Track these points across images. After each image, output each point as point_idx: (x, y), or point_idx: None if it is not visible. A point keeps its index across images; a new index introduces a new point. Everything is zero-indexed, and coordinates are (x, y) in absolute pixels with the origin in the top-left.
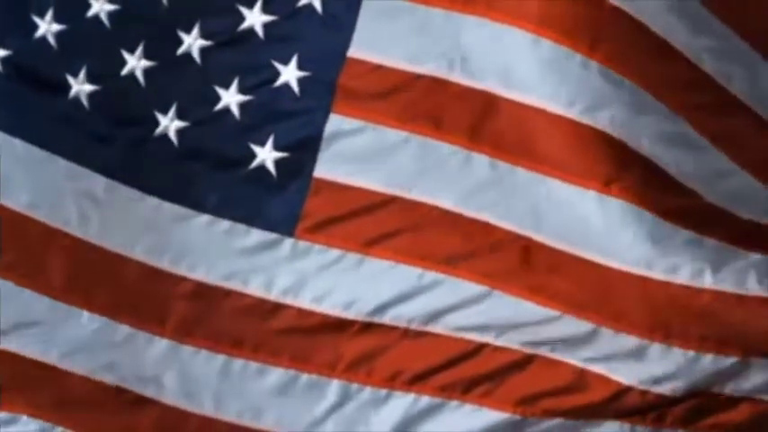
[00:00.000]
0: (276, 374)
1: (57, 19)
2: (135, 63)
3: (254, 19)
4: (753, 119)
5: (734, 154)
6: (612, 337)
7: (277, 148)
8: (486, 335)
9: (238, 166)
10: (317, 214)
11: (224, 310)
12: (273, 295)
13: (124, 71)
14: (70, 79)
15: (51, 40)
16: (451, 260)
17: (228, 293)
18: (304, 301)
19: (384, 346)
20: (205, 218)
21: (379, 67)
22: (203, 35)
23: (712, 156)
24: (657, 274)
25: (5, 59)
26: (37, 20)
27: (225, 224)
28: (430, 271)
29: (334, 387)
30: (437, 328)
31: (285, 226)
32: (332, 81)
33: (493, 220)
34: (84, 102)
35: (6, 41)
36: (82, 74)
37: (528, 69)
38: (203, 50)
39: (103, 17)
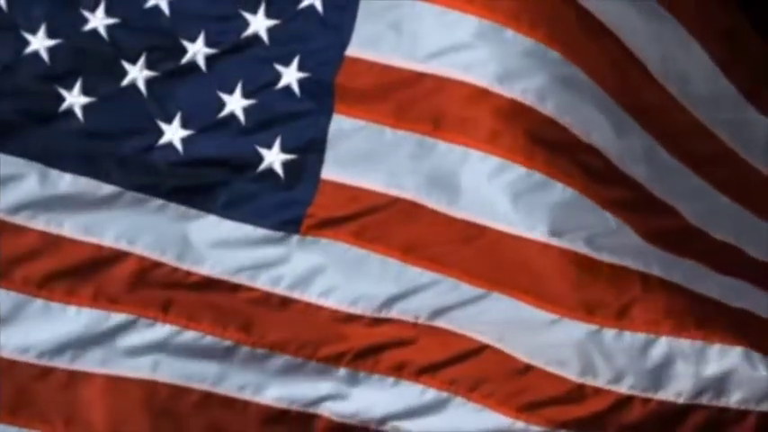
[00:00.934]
0: (283, 360)
1: (49, 34)
2: (137, 74)
3: (259, 24)
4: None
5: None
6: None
7: (284, 150)
8: (486, 336)
9: (246, 169)
10: (322, 213)
11: (231, 300)
12: (281, 289)
13: (124, 82)
14: (63, 93)
15: (44, 55)
16: (447, 260)
17: (236, 287)
18: (311, 296)
19: (392, 338)
20: (212, 218)
21: (377, 66)
22: (208, 43)
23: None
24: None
25: None
26: (28, 36)
27: (231, 224)
28: (430, 271)
29: (341, 372)
30: (443, 323)
31: (291, 225)
32: (331, 81)
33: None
34: (79, 114)
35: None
36: (76, 87)
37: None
38: (209, 58)
39: (102, 31)
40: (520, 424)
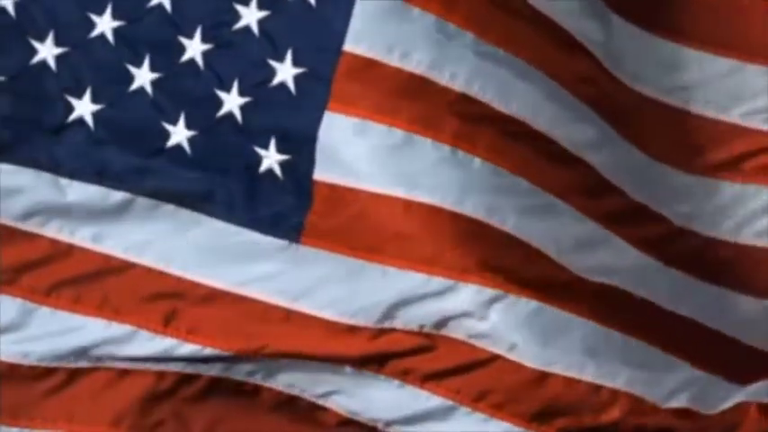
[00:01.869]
0: (288, 359)
1: (57, 42)
2: (144, 77)
3: (251, 17)
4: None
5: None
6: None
7: (279, 150)
8: (497, 346)
9: (247, 171)
10: (320, 219)
11: (233, 313)
12: (284, 301)
13: (133, 86)
14: (73, 101)
15: (52, 63)
16: (460, 265)
17: (239, 298)
18: (312, 308)
19: (397, 348)
20: (219, 224)
21: (373, 63)
22: (204, 39)
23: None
24: None
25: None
26: (36, 44)
27: (236, 230)
28: (437, 276)
29: (347, 370)
30: (449, 332)
31: (291, 232)
32: (327, 77)
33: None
34: (90, 122)
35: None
36: (87, 95)
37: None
38: (205, 54)
39: (109, 35)
40: None
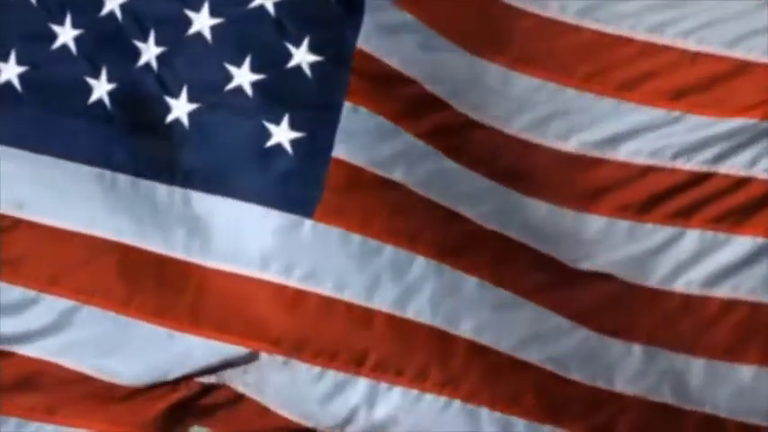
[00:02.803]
0: (303, 369)
1: (74, 24)
2: (149, 53)
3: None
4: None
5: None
6: None
7: (293, 127)
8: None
9: (254, 146)
10: (335, 197)
11: (242, 295)
12: (293, 281)
13: (140, 62)
14: (92, 82)
15: (72, 46)
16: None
17: (248, 280)
18: (325, 289)
19: (411, 343)
20: (226, 201)
21: (381, 62)
22: (213, 14)
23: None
24: None
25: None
26: (56, 29)
27: (245, 206)
28: (433, 260)
29: (361, 386)
30: (457, 328)
31: (304, 207)
32: (346, 68)
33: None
34: (107, 102)
35: (23, 56)
36: (103, 75)
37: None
38: (214, 29)
39: (117, 12)
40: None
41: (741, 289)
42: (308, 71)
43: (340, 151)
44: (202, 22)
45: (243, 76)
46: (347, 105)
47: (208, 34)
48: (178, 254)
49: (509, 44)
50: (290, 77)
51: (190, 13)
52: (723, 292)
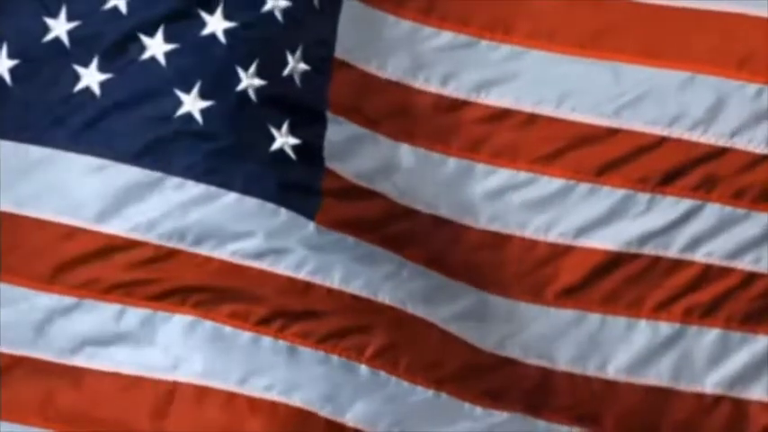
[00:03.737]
0: (307, 353)
1: (70, 17)
2: (157, 48)
3: (275, 3)
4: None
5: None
6: None
7: (293, 134)
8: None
9: (259, 148)
10: (332, 206)
11: (252, 285)
12: (303, 275)
13: (144, 56)
14: (80, 71)
15: (65, 39)
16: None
17: (260, 272)
18: (333, 282)
19: (411, 337)
20: (232, 196)
21: (358, 71)
22: (226, 17)
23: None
24: None
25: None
26: (49, 21)
27: (252, 202)
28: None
29: (362, 371)
30: (452, 327)
31: (308, 209)
32: (327, 78)
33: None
34: (97, 91)
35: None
36: (94, 64)
37: None
38: (227, 32)
39: (121, 6)
40: None
41: (762, 263)
42: (297, 79)
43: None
44: (216, 25)
45: (249, 81)
46: (330, 116)
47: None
48: None
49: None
50: (286, 84)
51: (204, 15)
52: (744, 264)
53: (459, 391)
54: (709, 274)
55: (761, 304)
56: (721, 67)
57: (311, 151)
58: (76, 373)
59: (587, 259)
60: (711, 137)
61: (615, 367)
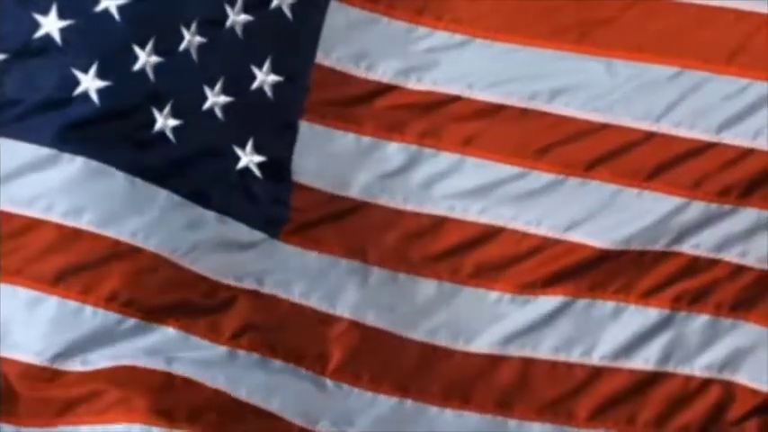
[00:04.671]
0: (276, 366)
1: (60, 15)
2: (145, 59)
3: (235, 18)
4: None
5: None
6: None
7: (257, 151)
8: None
9: (227, 164)
10: (299, 218)
11: (227, 302)
12: (266, 289)
13: (136, 67)
14: (79, 76)
15: (57, 37)
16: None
17: (227, 287)
18: (294, 296)
19: (370, 346)
20: (211, 214)
21: (342, 75)
22: (199, 32)
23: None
24: None
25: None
26: (39, 18)
27: (227, 220)
28: (402, 273)
29: (328, 385)
30: (415, 334)
31: (272, 227)
32: (303, 87)
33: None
34: (95, 99)
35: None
36: (92, 71)
37: None
38: (200, 47)
39: (114, 11)
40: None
41: (749, 256)
42: (269, 92)
43: (297, 173)
44: (191, 40)
45: (215, 98)
46: (303, 124)
47: (194, 53)
48: None
49: None
50: (254, 99)
51: (184, 30)
52: (731, 256)
53: (426, 395)
54: (696, 264)
55: (750, 293)
56: (710, 62)
57: (278, 167)
58: None
59: (576, 252)
60: (698, 132)
61: (601, 352)
